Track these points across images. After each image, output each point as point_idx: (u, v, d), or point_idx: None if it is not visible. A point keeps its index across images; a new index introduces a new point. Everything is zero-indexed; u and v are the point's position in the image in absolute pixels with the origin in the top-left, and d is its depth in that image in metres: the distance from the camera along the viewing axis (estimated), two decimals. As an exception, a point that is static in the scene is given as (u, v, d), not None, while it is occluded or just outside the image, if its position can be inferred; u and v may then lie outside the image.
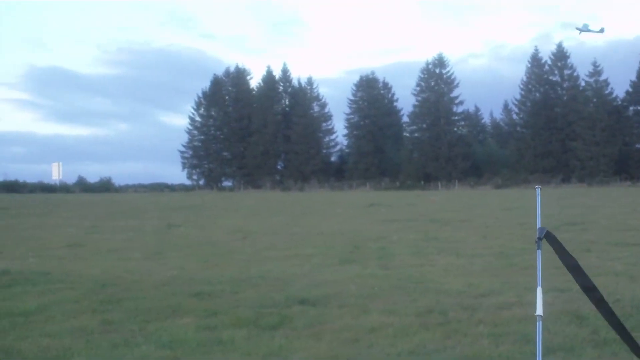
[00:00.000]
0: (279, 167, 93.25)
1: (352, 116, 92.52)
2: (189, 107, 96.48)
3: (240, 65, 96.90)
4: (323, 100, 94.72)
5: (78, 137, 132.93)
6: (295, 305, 8.14)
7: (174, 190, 76.67)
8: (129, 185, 77.14)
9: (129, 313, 7.83)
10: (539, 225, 3.59)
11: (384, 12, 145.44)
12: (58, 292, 9.38)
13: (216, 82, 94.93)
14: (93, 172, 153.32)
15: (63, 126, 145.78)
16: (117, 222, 25.14)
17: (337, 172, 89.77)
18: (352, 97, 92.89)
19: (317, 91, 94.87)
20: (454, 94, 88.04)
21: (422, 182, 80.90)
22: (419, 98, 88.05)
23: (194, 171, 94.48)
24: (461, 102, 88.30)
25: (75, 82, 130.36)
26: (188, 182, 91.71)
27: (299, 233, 19.55)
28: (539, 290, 3.44)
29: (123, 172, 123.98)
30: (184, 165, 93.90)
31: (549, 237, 3.52)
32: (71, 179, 76.14)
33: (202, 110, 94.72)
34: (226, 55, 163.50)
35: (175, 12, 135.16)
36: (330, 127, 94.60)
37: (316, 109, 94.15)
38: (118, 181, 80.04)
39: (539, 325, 3.31)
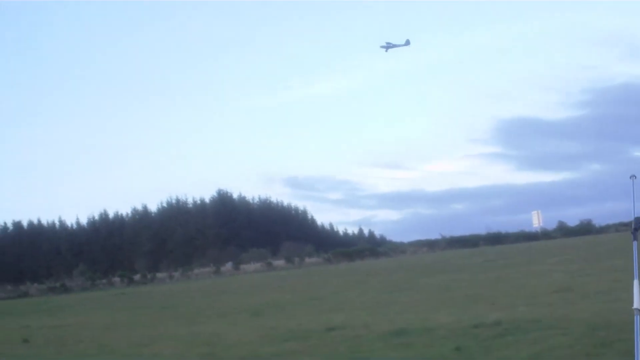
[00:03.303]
0: None
1: None
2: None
3: None
4: None
5: (552, 183, 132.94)
6: None
7: (656, 223, 71.02)
8: (609, 224, 74.02)
9: (621, 356, 7.76)
10: (635, 215, 3.48)
11: None
12: (549, 339, 9.70)
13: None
14: (572, 216, 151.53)
15: (536, 174, 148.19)
16: (602, 263, 24.61)
17: None
18: None
19: None
20: None
21: None
22: None
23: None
24: None
25: (540, 129, 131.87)
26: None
27: None
28: (636, 283, 3.39)
29: (602, 211, 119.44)
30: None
31: None
32: (551, 225, 75.94)
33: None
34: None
35: (634, 44, 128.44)
36: None
37: None
38: (598, 221, 77.16)
39: (637, 319, 3.25)
